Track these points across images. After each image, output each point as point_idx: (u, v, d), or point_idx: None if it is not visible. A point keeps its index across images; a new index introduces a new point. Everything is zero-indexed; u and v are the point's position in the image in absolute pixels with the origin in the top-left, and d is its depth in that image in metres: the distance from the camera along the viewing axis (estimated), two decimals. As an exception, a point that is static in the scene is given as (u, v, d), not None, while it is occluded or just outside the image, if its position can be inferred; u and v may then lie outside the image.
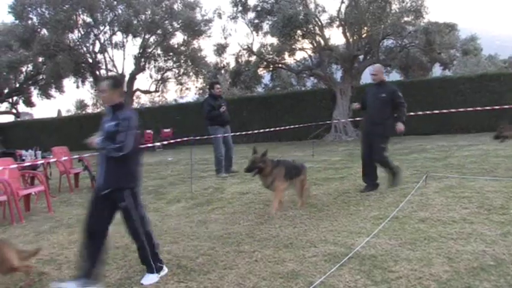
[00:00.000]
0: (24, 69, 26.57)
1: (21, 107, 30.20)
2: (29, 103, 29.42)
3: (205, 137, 11.10)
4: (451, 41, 18.31)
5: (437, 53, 18.76)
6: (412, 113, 14.39)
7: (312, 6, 18.25)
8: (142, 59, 23.44)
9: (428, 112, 14.41)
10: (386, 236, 4.59)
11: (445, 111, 13.83)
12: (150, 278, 3.87)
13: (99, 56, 22.99)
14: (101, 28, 22.19)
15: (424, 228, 4.76)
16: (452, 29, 18.60)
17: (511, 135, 8.06)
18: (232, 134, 10.35)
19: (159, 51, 24.13)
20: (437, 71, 22.66)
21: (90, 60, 22.59)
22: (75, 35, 22.05)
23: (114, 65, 23.46)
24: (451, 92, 17.71)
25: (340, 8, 18.40)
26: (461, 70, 27.76)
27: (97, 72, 23.13)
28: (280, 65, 21.73)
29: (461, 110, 13.58)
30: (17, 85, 27.40)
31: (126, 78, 23.35)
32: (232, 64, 21.68)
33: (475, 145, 12.29)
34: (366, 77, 21.41)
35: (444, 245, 4.19)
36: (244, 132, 11.53)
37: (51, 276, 4.18)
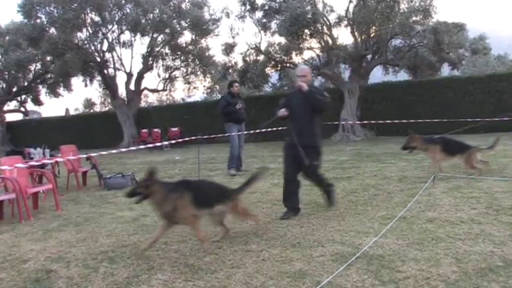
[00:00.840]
0: (32, 68, 26.77)
1: (30, 106, 30.41)
2: (37, 101, 29.57)
3: (213, 136, 11.14)
4: (460, 40, 18.19)
5: (446, 53, 18.62)
6: (420, 120, 14.47)
7: (320, 5, 18.20)
8: (150, 58, 23.49)
9: (436, 120, 14.40)
10: (394, 236, 4.57)
11: (452, 120, 13.78)
12: None
13: (107, 55, 23.07)
14: (109, 27, 22.24)
15: (432, 228, 4.74)
16: (461, 28, 18.49)
17: (420, 146, 7.95)
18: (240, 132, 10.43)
19: (167, 50, 24.16)
20: (445, 70, 22.53)
21: (98, 59, 22.66)
22: (83, 34, 22.14)
23: (122, 64, 23.56)
24: (459, 92, 17.62)
25: (348, 7, 18.34)
26: (470, 70, 27.58)
27: (105, 71, 23.23)
28: (288, 64, 21.68)
29: (469, 120, 13.48)
30: (26, 84, 27.58)
31: (134, 77, 23.44)
32: (240, 63, 21.69)
33: (483, 145, 12.20)
34: (374, 77, 21.39)
35: (452, 245, 4.17)
36: (252, 131, 11.54)
37: (59, 274, 4.20)
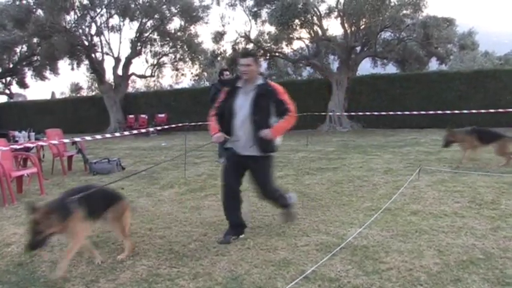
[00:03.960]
0: (18, 50, 26.32)
1: (15, 88, 30.00)
2: (22, 84, 29.16)
3: (200, 123, 11.13)
4: (449, 35, 18.31)
5: (435, 47, 18.76)
6: (407, 112, 14.62)
7: (311, -5, 18.18)
8: (139, 43, 23.28)
9: (423, 112, 14.51)
10: (379, 227, 4.62)
11: (439, 112, 13.88)
12: None
13: (95, 39, 22.81)
14: (98, 11, 21.97)
15: (416, 220, 4.79)
16: (450, 23, 18.60)
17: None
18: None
19: (155, 36, 23.96)
20: (433, 65, 22.71)
21: (86, 43, 22.39)
22: (71, 17, 21.85)
23: (110, 48, 23.32)
24: (446, 86, 17.77)
25: (339, -2, 18.35)
26: (457, 65, 27.81)
27: (93, 55, 22.96)
28: (277, 54, 21.66)
29: (457, 112, 13.57)
30: (11, 66, 27.15)
31: (122, 62, 23.22)
32: (229, 51, 21.60)
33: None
34: (363, 69, 21.46)
35: (435, 237, 4.22)
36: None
37: (43, 258, 4.17)
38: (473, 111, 13.50)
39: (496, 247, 3.90)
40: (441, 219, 4.82)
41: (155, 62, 24.95)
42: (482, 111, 13.47)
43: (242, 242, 4.36)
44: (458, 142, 8.30)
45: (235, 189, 4.61)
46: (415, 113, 14.67)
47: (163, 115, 21.95)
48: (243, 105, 4.41)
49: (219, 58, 22.25)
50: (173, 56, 24.97)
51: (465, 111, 13.69)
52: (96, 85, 29.45)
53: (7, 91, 29.69)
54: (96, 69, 23.34)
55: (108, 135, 9.27)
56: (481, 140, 7.95)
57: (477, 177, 6.97)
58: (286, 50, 21.91)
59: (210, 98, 10.25)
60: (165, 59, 25.20)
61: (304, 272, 3.52)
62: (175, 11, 22.27)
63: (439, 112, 13.84)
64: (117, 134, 10.51)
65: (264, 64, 23.61)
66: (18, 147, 8.28)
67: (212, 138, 4.51)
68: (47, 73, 27.32)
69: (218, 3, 20.69)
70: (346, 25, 18.63)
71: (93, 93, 34.01)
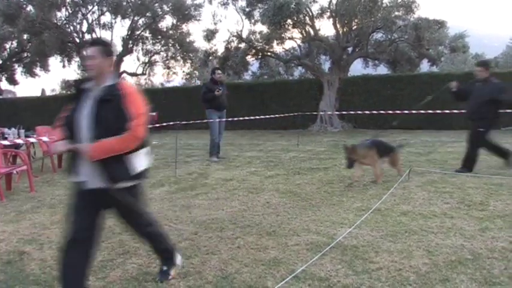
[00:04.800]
0: (8, 46, 26.04)
1: (4, 85, 29.71)
2: (12, 81, 28.88)
3: (191, 122, 11.10)
4: (440, 37, 18.40)
5: (426, 49, 18.85)
6: (398, 111, 14.66)
7: (303, -5, 18.19)
8: (130, 41, 23.16)
9: (414, 111, 14.54)
10: (368, 227, 4.64)
11: (430, 111, 13.93)
12: None
13: (87, 36, 22.66)
14: (89, 8, 21.84)
15: (406, 221, 4.83)
16: (442, 25, 18.69)
17: None
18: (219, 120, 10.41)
19: (147, 34, 23.85)
20: (424, 66, 22.82)
21: (77, 40, 22.25)
22: (62, 13, 21.68)
23: (101, 46, 23.16)
24: (437, 88, 17.83)
25: (331, -1, 18.39)
26: (448, 67, 28.00)
27: (84, 52, 22.84)
28: (268, 53, 21.66)
29: (447, 111, 13.66)
30: (0, 62, 26.88)
31: (113, 60, 23.10)
32: (221, 50, 21.57)
33: (458, 142, 12.42)
34: (354, 70, 21.53)
35: (424, 238, 4.25)
36: (230, 119, 11.55)
37: (32, 256, 4.15)
38: (463, 111, 13.56)
39: (484, 247, 3.94)
40: (430, 219, 4.86)
41: (147, 60, 24.83)
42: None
43: (232, 241, 4.36)
44: (360, 159, 7.05)
45: (81, 238, 3.23)
46: (406, 112, 14.70)
47: (154, 113, 21.85)
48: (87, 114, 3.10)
49: (210, 57, 22.22)
50: (165, 55, 24.87)
51: (455, 111, 13.76)
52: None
53: (-4, 87, 29.41)
54: (87, 66, 23.18)
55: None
56: (379, 153, 7.18)
57: (466, 178, 7.03)
58: (278, 49, 21.94)
59: (201, 97, 10.25)
60: (156, 57, 25.11)
61: (294, 271, 3.53)
62: (168, 9, 22.19)
63: (430, 112, 13.90)
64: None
65: (255, 64, 23.61)
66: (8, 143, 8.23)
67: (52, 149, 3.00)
68: (37, 70, 27.07)
69: (210, 2, 20.61)
70: (338, 25, 18.67)
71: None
